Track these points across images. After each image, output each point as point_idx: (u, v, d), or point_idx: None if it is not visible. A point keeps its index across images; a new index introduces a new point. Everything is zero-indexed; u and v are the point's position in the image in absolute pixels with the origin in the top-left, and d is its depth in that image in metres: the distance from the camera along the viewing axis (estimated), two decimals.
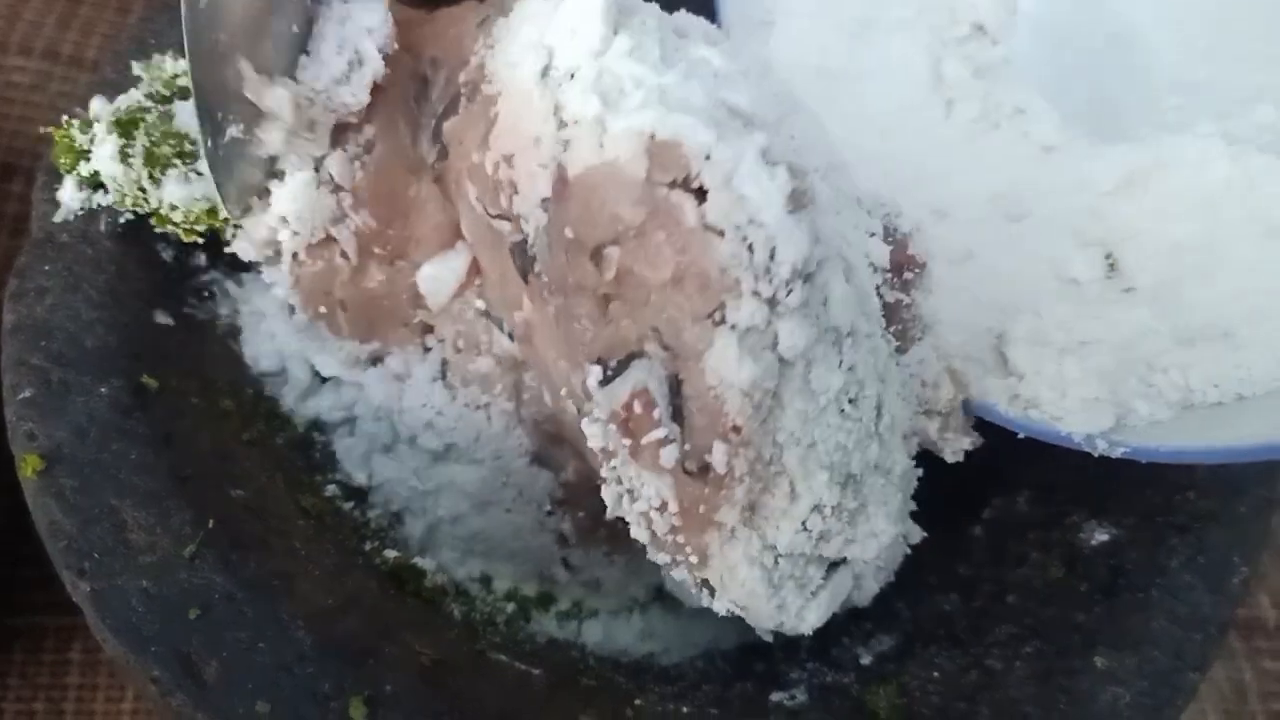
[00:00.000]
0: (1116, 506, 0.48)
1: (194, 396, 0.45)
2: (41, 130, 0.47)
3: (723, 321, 0.36)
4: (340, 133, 0.45)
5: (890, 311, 0.42)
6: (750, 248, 0.35)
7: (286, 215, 0.45)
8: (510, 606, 0.51)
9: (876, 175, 0.45)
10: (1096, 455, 0.43)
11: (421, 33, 0.46)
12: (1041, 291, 0.48)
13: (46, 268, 0.44)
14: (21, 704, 0.55)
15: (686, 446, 0.38)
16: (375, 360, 0.50)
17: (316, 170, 0.45)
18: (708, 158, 0.35)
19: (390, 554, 0.49)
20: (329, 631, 0.41)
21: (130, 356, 0.44)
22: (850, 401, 0.38)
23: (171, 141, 0.45)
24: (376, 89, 0.44)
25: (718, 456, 0.37)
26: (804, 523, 0.39)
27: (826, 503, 0.39)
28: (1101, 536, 0.47)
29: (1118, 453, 0.43)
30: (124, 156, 0.44)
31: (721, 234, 0.35)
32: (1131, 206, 0.48)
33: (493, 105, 0.41)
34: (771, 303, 0.35)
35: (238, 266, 0.49)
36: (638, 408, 0.38)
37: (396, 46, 0.44)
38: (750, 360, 0.36)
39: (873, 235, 0.43)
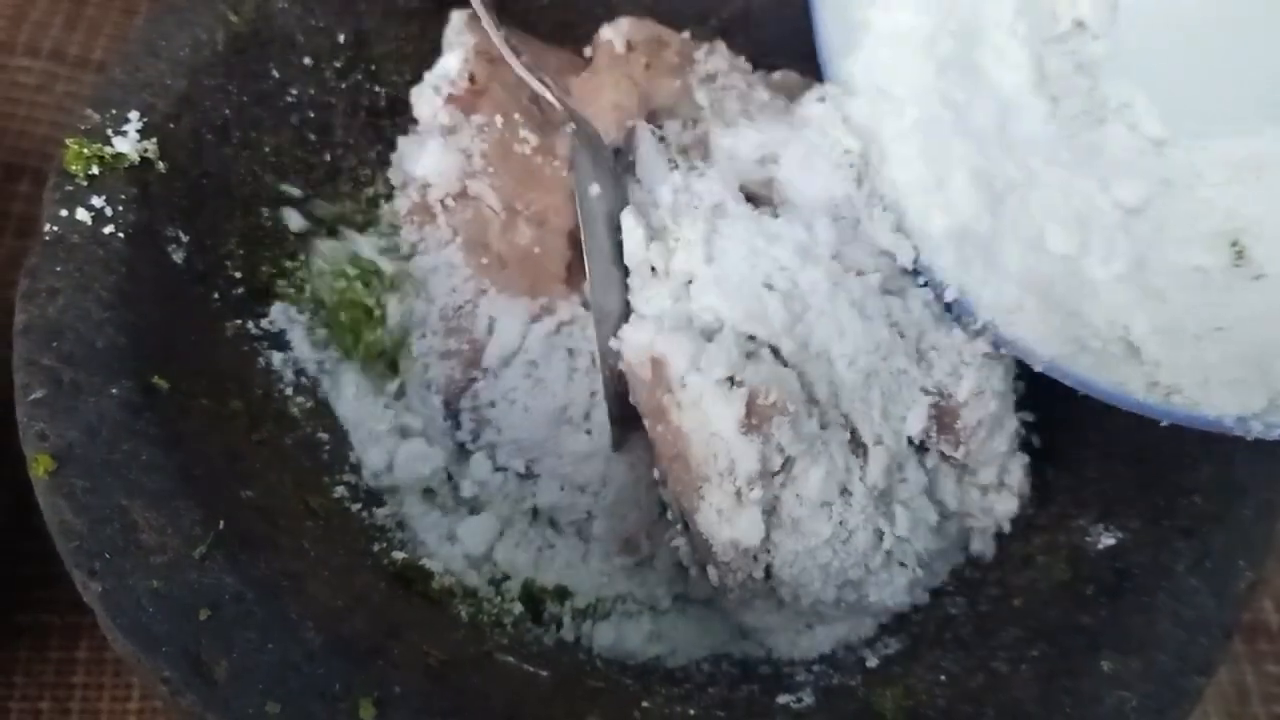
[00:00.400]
0: (1122, 510, 0.48)
1: (203, 397, 0.45)
2: (53, 133, 0.47)
3: (704, 498, 0.46)
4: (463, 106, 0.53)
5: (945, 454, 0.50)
6: (715, 454, 0.45)
7: (426, 174, 0.53)
8: (518, 608, 0.51)
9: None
10: (1251, 439, 0.44)
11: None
12: (1169, 281, 0.48)
13: (58, 268, 0.44)
14: (27, 702, 0.55)
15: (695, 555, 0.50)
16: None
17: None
18: (683, 382, 0.45)
19: (398, 555, 0.49)
20: (337, 631, 0.41)
21: (140, 357, 0.44)
22: (843, 543, 0.47)
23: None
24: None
25: (711, 572, 0.48)
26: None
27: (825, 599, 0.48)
28: (1108, 540, 0.47)
29: (1275, 434, 0.43)
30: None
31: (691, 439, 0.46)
32: (1253, 194, 0.48)
33: None
34: (738, 494, 0.45)
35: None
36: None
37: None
38: (727, 526, 0.46)
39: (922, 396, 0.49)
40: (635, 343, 0.47)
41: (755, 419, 0.45)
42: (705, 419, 0.45)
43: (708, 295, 0.47)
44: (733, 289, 0.47)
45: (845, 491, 0.46)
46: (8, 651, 0.56)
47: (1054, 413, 0.54)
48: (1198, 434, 0.48)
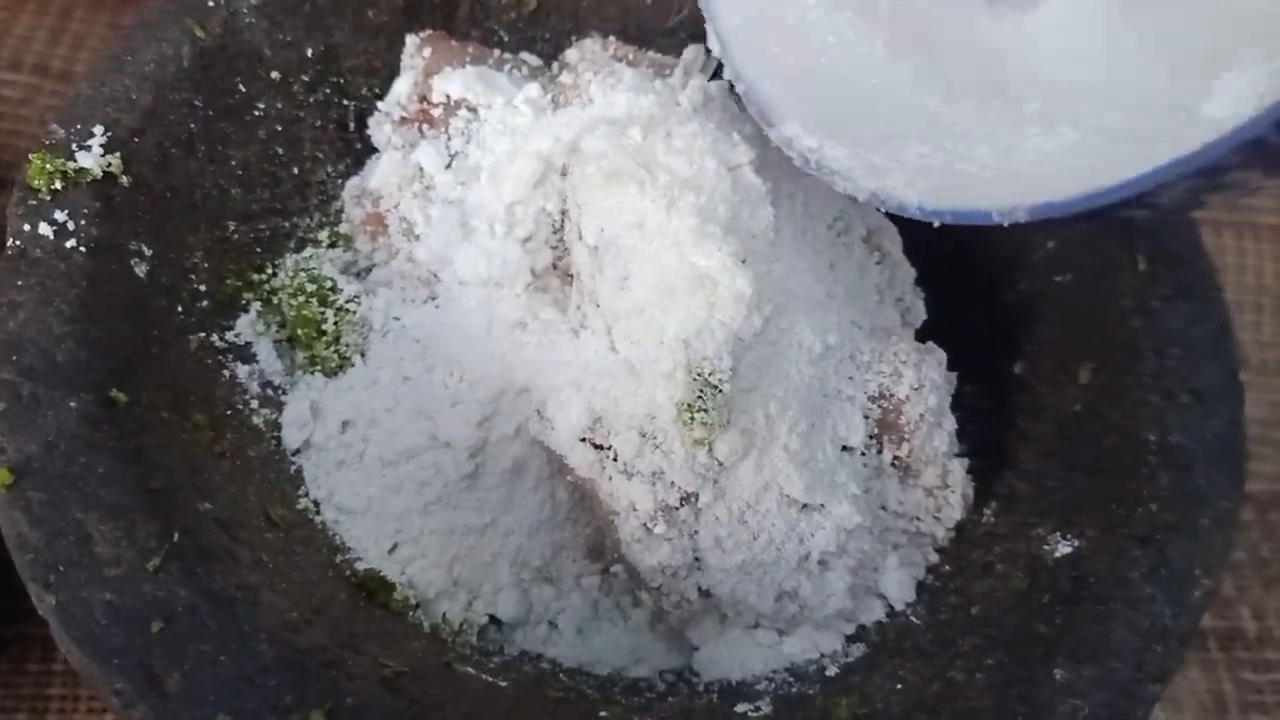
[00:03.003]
0: (1080, 519, 0.48)
1: (165, 410, 0.46)
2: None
3: (617, 530, 0.48)
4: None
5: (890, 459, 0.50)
6: (612, 495, 0.47)
7: (379, 186, 0.54)
8: (484, 618, 0.51)
9: None
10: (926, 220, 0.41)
11: None
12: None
13: (20, 282, 0.44)
14: (4, 714, 0.56)
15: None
16: None
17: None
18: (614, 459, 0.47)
19: (361, 566, 0.49)
20: (292, 643, 0.41)
21: (101, 371, 0.44)
22: (773, 556, 0.48)
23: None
24: None
25: (644, 597, 0.50)
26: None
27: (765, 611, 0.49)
28: (1065, 548, 0.48)
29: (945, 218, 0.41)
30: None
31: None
32: None
33: None
34: (646, 528, 0.47)
35: None
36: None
37: None
38: (648, 553, 0.47)
39: (863, 398, 0.50)
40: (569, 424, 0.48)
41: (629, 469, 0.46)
42: (620, 493, 0.47)
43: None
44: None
45: (771, 504, 0.47)
46: None
47: (1018, 423, 0.54)
48: (1156, 444, 0.48)
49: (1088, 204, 0.36)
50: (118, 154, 0.48)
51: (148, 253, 0.49)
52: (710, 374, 0.45)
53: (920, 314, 0.55)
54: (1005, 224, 0.39)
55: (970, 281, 0.58)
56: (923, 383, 0.49)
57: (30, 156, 0.47)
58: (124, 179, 0.48)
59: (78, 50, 0.74)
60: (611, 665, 0.52)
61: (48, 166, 0.47)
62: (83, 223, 0.47)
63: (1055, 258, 0.55)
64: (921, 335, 0.54)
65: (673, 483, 0.46)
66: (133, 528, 0.41)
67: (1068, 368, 0.53)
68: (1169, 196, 0.36)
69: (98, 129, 0.48)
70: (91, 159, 0.48)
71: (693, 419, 0.45)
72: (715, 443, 0.46)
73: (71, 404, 0.43)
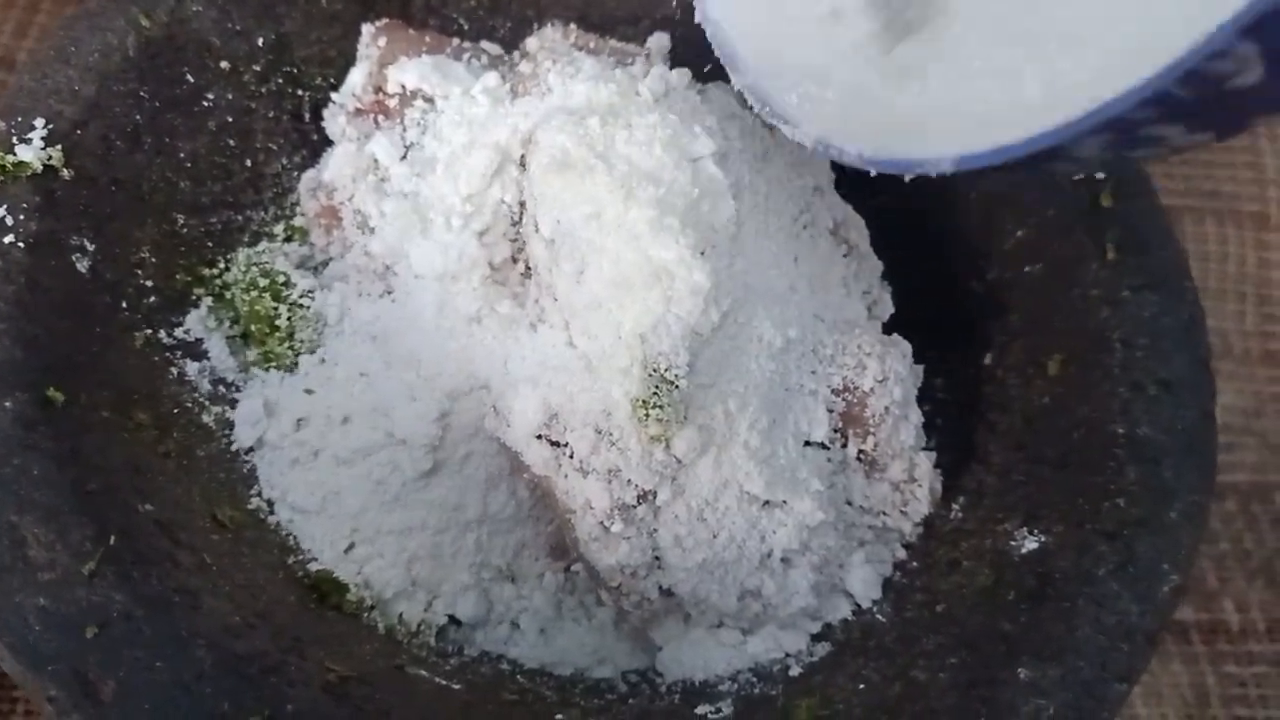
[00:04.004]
0: (1046, 514, 0.47)
1: (105, 409, 0.45)
2: None
3: (574, 529, 0.47)
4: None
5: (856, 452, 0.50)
6: (568, 492, 0.46)
7: (332, 178, 0.53)
8: (442, 619, 0.50)
9: None
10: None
11: None
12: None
13: None
14: None
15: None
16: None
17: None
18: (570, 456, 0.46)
19: (314, 567, 0.48)
20: (232, 649, 0.40)
21: (38, 369, 0.43)
22: (734, 553, 0.47)
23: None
24: None
25: (604, 597, 0.49)
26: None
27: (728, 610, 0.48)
28: (1031, 545, 0.47)
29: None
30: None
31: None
32: None
33: None
34: (603, 526, 0.46)
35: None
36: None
37: None
38: (606, 552, 0.46)
39: (826, 391, 0.49)
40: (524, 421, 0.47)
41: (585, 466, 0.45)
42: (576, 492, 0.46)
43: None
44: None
45: (731, 501, 0.46)
46: None
47: (987, 416, 0.53)
48: (1125, 437, 0.48)
49: (1002, 157, 0.37)
50: (59, 147, 0.47)
51: (90, 248, 0.48)
52: (666, 369, 0.44)
53: (888, 307, 0.54)
54: (933, 174, 0.40)
55: (939, 273, 0.57)
56: (887, 375, 0.48)
57: None
58: (65, 172, 0.47)
59: (44, 43, 0.73)
60: (575, 665, 0.51)
61: None
62: (21, 217, 0.45)
63: (1025, 247, 0.54)
64: (889, 328, 0.53)
65: (630, 480, 0.45)
66: (67, 531, 0.40)
67: (1036, 359, 0.52)
68: (1085, 152, 0.36)
69: (38, 121, 0.47)
70: (31, 152, 0.47)
71: (648, 415, 0.44)
72: (673, 439, 0.45)
73: (6, 404, 0.42)
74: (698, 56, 0.59)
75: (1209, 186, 0.76)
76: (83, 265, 0.47)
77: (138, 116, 0.50)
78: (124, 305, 0.49)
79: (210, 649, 0.40)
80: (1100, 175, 0.54)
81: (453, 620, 0.51)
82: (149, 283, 0.50)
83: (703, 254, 0.46)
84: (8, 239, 0.45)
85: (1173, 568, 0.44)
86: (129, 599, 0.39)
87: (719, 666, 0.49)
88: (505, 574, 0.52)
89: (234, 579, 0.44)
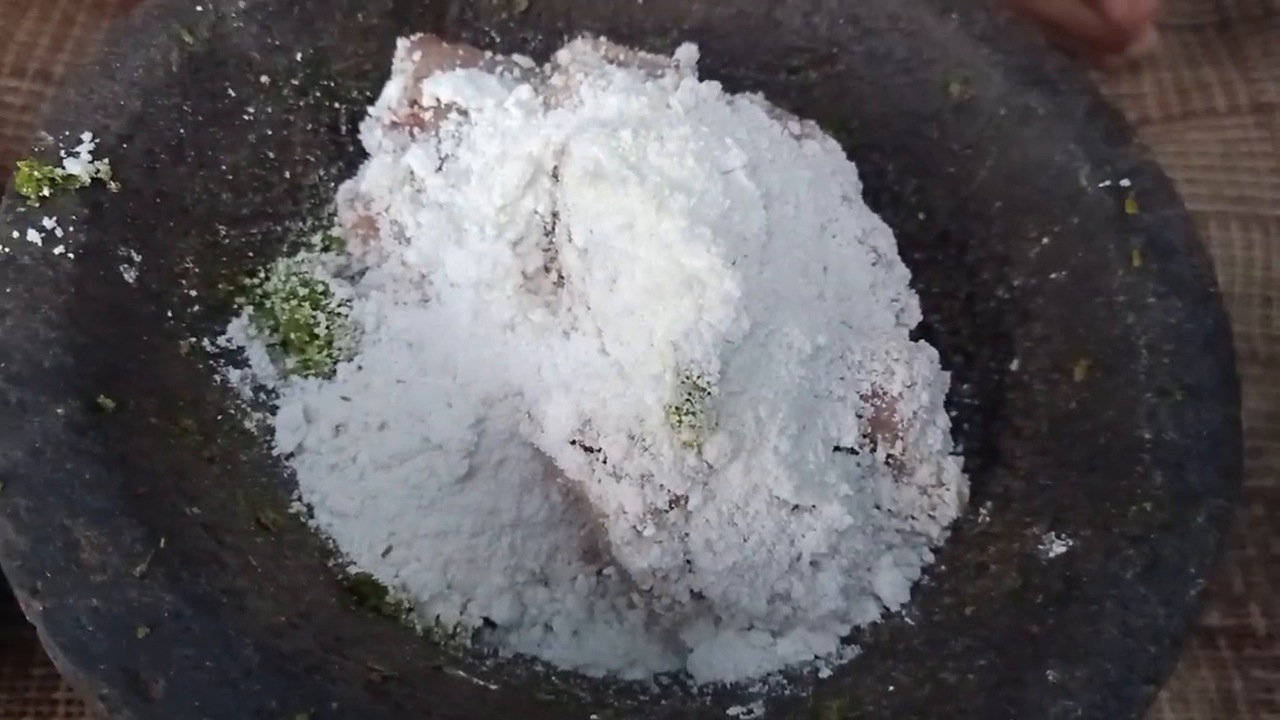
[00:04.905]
0: (1073, 518, 0.48)
1: (152, 416, 0.46)
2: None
3: (608, 532, 0.48)
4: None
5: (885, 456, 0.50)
6: (602, 497, 0.47)
7: (369, 189, 0.54)
8: (478, 621, 0.51)
9: None
10: None
11: None
12: None
13: (8, 289, 0.45)
14: (10, 718, 0.56)
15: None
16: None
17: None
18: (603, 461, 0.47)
19: (353, 570, 0.49)
20: (277, 648, 0.41)
21: (88, 377, 0.44)
22: (764, 557, 0.48)
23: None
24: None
25: (635, 599, 0.51)
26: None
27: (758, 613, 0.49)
28: (1059, 548, 0.47)
29: None
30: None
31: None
32: None
33: None
34: (635, 530, 0.47)
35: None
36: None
37: None
38: (638, 556, 0.47)
39: (855, 397, 0.50)
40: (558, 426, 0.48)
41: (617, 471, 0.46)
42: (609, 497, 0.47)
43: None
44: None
45: (761, 506, 0.47)
46: None
47: (1013, 421, 0.53)
48: (1151, 442, 0.48)
49: None
50: (106, 160, 0.48)
51: (136, 258, 0.49)
52: (699, 377, 0.45)
53: (915, 314, 0.55)
54: None
55: (964, 280, 0.57)
56: (915, 380, 0.49)
57: (18, 164, 0.47)
58: (112, 185, 0.49)
59: (80, 56, 0.74)
60: (607, 668, 0.52)
61: (35, 173, 0.47)
62: (71, 229, 0.47)
63: (1050, 254, 0.55)
64: (916, 335, 0.53)
65: (662, 485, 0.46)
66: (118, 534, 0.41)
67: (1062, 365, 0.52)
68: None
69: (86, 135, 0.49)
70: (80, 165, 0.48)
71: (681, 422, 0.45)
72: (704, 445, 0.45)
73: (58, 410, 0.43)
74: (724, 66, 0.61)
75: (1234, 192, 0.76)
76: (130, 275, 0.48)
77: (181, 130, 0.52)
78: (169, 314, 0.50)
79: (257, 648, 0.41)
80: (1125, 182, 0.54)
81: (488, 622, 0.51)
82: (193, 292, 0.51)
83: (734, 263, 0.46)
84: (58, 250, 0.46)
85: (1199, 571, 0.45)
86: (178, 599, 0.41)
87: (749, 669, 0.50)
88: (539, 577, 0.52)
89: (277, 580, 0.45)
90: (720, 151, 0.50)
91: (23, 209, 0.46)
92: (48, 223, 0.46)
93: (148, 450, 0.45)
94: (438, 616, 0.50)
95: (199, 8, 0.53)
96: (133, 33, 0.51)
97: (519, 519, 0.52)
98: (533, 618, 0.52)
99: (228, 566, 0.43)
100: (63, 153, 0.48)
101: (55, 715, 0.56)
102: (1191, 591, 0.44)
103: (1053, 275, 0.55)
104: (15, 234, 0.46)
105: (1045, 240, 0.55)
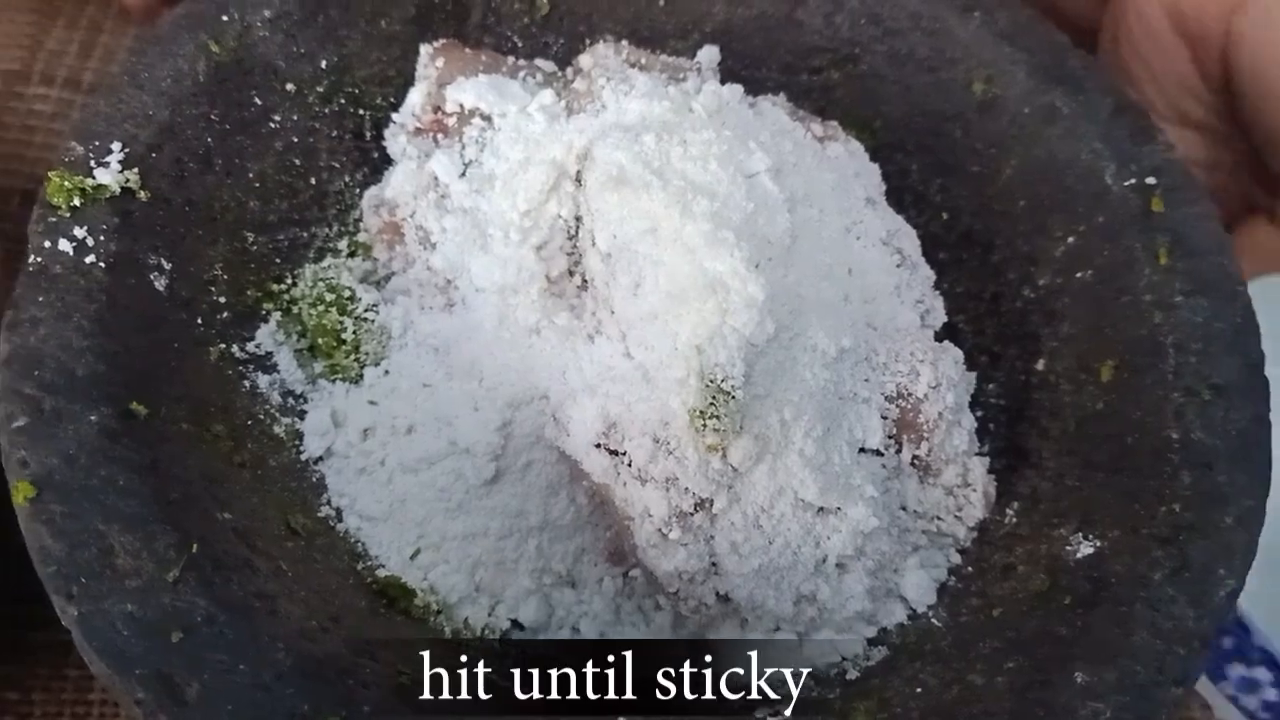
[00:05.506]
0: (1101, 519, 0.48)
1: (184, 422, 0.46)
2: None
3: (633, 535, 0.48)
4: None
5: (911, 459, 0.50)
6: (628, 500, 0.48)
7: (395, 195, 0.54)
8: (505, 623, 0.51)
9: None
10: None
11: None
12: None
13: (40, 298, 0.45)
14: None
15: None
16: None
17: None
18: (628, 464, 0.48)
19: (382, 573, 0.50)
20: (309, 651, 0.42)
21: (120, 384, 0.45)
22: (790, 559, 0.48)
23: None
24: None
25: (662, 602, 0.52)
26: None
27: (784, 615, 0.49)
28: (1086, 549, 0.47)
29: None
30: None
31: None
32: None
33: None
34: (661, 533, 0.47)
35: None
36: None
37: None
38: (664, 559, 0.47)
39: (880, 399, 0.50)
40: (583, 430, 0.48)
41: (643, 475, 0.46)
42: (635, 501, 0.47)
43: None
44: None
45: (786, 508, 0.47)
46: (27, 669, 0.57)
47: (1040, 422, 0.53)
48: (1178, 442, 0.48)
49: None
50: (135, 170, 0.49)
51: (166, 266, 0.49)
52: (723, 380, 0.45)
53: (939, 315, 0.55)
54: None
55: (990, 280, 0.57)
56: (940, 380, 0.49)
57: (49, 174, 0.47)
58: (142, 194, 0.49)
59: (108, 63, 0.75)
60: None
61: (66, 184, 0.47)
62: (101, 238, 0.47)
63: (1076, 253, 0.55)
64: (941, 336, 0.53)
65: (687, 488, 0.46)
66: (152, 539, 0.42)
67: (1089, 365, 0.52)
68: None
69: (115, 145, 0.49)
70: (109, 175, 0.48)
71: (705, 425, 0.45)
72: (729, 449, 0.46)
73: (91, 417, 0.43)
74: (746, 68, 0.61)
75: None
76: (160, 283, 0.49)
77: (209, 139, 0.52)
78: (199, 321, 0.50)
79: (289, 652, 0.41)
80: (1151, 180, 0.54)
81: (515, 624, 0.52)
82: (221, 299, 0.52)
83: (758, 266, 0.47)
84: (89, 259, 0.47)
85: (1228, 572, 0.45)
86: (211, 604, 0.41)
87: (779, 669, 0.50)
88: (565, 579, 0.53)
89: (308, 584, 0.45)
90: (743, 155, 0.50)
91: (54, 219, 0.47)
92: (79, 232, 0.47)
93: (179, 456, 0.45)
94: (466, 619, 0.51)
95: (224, 17, 0.53)
96: (160, 43, 0.52)
97: (546, 521, 0.52)
98: (560, 619, 0.52)
99: (259, 571, 0.44)
100: (93, 163, 0.49)
101: (90, 717, 0.57)
102: (1221, 593, 0.44)
103: (1078, 275, 0.54)
104: (47, 244, 0.46)
105: (1070, 239, 0.55)
